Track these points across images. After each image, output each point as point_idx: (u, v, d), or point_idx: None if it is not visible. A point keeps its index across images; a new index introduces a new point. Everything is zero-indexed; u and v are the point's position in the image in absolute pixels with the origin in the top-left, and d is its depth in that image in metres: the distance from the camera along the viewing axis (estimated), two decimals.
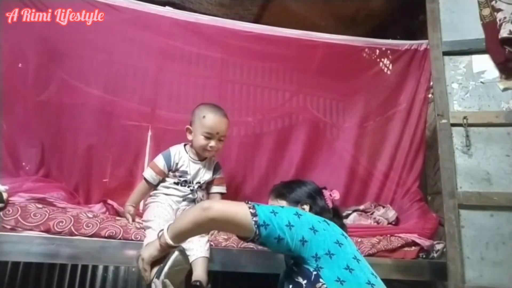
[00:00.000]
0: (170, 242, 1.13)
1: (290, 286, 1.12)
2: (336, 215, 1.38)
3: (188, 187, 1.64)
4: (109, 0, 1.94)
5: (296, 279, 1.10)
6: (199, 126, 1.60)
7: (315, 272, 1.06)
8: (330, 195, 1.44)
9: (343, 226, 1.32)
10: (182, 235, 1.15)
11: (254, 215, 1.05)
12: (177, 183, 1.63)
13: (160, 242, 1.16)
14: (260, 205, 1.10)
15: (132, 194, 1.68)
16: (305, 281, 1.07)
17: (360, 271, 1.09)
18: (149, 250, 1.19)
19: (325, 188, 1.47)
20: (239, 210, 1.07)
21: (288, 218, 1.08)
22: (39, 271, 2.26)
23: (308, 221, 1.12)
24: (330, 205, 1.41)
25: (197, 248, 1.41)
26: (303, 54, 2.23)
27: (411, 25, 2.78)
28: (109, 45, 2.03)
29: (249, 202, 1.10)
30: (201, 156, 1.67)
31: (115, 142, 2.00)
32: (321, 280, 1.04)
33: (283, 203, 1.39)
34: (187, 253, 1.40)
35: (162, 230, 1.17)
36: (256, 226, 1.04)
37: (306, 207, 1.37)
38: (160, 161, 1.64)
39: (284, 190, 1.45)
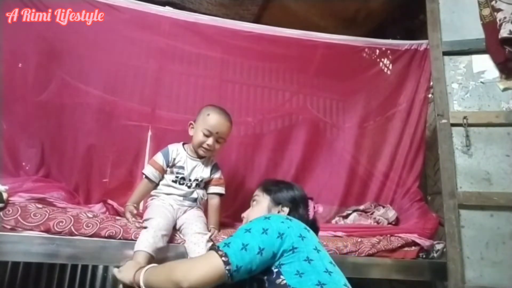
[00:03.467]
0: None
1: (255, 284, 1.11)
2: (312, 227, 1.29)
3: (186, 184, 1.64)
4: (109, 0, 1.93)
5: (258, 276, 1.09)
6: (201, 123, 1.63)
7: (276, 270, 1.07)
8: (314, 207, 1.41)
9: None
10: None
11: (227, 263, 1.02)
12: (175, 181, 1.64)
13: (135, 279, 1.15)
14: (230, 246, 1.06)
15: (133, 194, 1.66)
16: (265, 277, 1.08)
17: (319, 261, 1.09)
18: (124, 274, 1.21)
19: (311, 198, 1.44)
20: (213, 268, 1.03)
21: (258, 244, 1.06)
22: (39, 271, 2.26)
23: (274, 231, 1.10)
24: (311, 216, 1.39)
25: (198, 250, 1.41)
26: (303, 54, 2.23)
27: (411, 25, 2.78)
28: (109, 45, 2.03)
29: (219, 248, 1.06)
30: (199, 154, 1.67)
31: (115, 142, 2.00)
32: (281, 276, 1.05)
33: (267, 198, 1.39)
34: (187, 250, 1.43)
35: (142, 268, 1.17)
36: (229, 274, 1.02)
37: (286, 210, 1.35)
38: (159, 157, 1.65)
39: (272, 187, 1.43)
